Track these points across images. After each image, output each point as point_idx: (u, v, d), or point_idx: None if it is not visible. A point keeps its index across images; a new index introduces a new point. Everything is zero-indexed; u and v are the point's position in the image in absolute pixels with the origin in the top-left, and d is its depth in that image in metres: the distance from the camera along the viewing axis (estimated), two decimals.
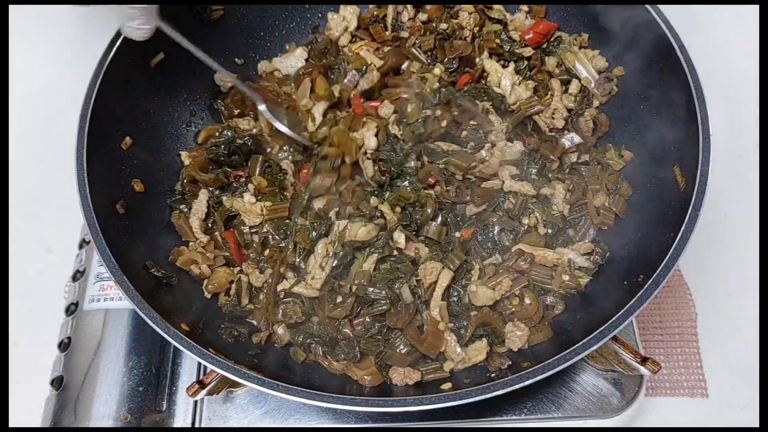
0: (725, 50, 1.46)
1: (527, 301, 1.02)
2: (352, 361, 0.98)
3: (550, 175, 1.12)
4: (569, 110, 1.16)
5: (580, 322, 0.97)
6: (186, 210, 1.09)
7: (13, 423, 1.12)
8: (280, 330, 1.02)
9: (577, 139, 1.12)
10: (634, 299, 0.83)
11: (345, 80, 1.16)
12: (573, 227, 1.10)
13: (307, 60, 1.22)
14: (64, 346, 1.05)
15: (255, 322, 1.04)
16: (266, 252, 1.08)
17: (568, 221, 1.10)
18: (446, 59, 1.18)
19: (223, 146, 1.13)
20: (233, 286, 1.05)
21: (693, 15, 1.46)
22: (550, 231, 1.08)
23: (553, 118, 1.14)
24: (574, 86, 1.17)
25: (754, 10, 1.49)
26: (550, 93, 1.16)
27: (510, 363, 0.96)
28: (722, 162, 1.34)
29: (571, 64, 1.18)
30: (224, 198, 1.11)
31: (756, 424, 1.11)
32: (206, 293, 1.03)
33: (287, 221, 1.08)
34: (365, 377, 0.96)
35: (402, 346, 0.98)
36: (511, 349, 0.98)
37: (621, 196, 1.10)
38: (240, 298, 1.04)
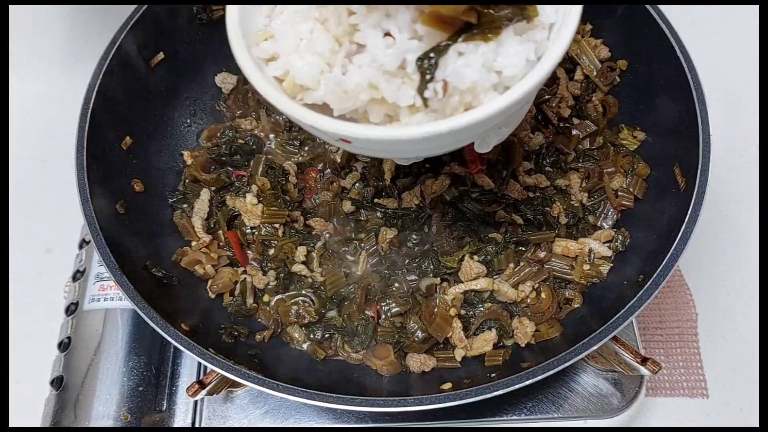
0: (725, 50, 1.46)
1: (543, 295, 1.02)
2: (371, 351, 0.99)
3: (563, 166, 1.11)
4: (575, 98, 1.15)
5: (589, 321, 0.97)
6: (188, 209, 1.09)
7: (13, 423, 1.12)
8: (296, 333, 1.02)
9: (591, 126, 1.12)
10: (634, 299, 0.83)
11: None
12: (593, 213, 1.09)
13: None
14: (64, 346, 1.05)
15: (261, 320, 1.04)
16: (271, 251, 1.08)
17: (587, 208, 1.09)
18: None
19: (225, 146, 1.13)
20: (237, 286, 1.05)
21: (693, 15, 1.46)
22: (571, 221, 1.08)
23: (559, 107, 1.13)
24: (578, 72, 1.16)
25: (754, 10, 1.49)
26: (556, 82, 1.14)
27: (511, 353, 0.97)
28: (722, 162, 1.35)
29: (574, 52, 1.16)
30: (227, 197, 1.11)
31: (756, 424, 1.11)
32: (210, 293, 1.03)
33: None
34: (384, 367, 0.97)
35: (419, 333, 0.99)
36: (517, 344, 0.98)
37: (638, 176, 1.07)
38: (245, 298, 1.04)
